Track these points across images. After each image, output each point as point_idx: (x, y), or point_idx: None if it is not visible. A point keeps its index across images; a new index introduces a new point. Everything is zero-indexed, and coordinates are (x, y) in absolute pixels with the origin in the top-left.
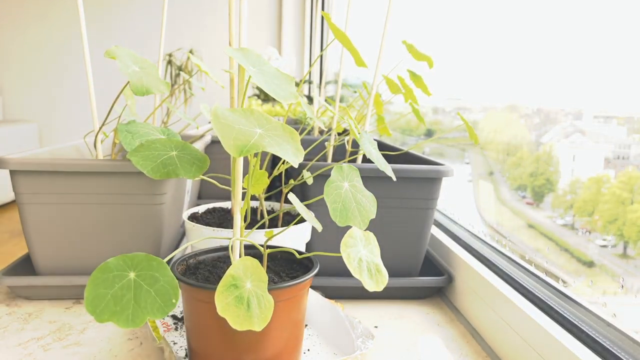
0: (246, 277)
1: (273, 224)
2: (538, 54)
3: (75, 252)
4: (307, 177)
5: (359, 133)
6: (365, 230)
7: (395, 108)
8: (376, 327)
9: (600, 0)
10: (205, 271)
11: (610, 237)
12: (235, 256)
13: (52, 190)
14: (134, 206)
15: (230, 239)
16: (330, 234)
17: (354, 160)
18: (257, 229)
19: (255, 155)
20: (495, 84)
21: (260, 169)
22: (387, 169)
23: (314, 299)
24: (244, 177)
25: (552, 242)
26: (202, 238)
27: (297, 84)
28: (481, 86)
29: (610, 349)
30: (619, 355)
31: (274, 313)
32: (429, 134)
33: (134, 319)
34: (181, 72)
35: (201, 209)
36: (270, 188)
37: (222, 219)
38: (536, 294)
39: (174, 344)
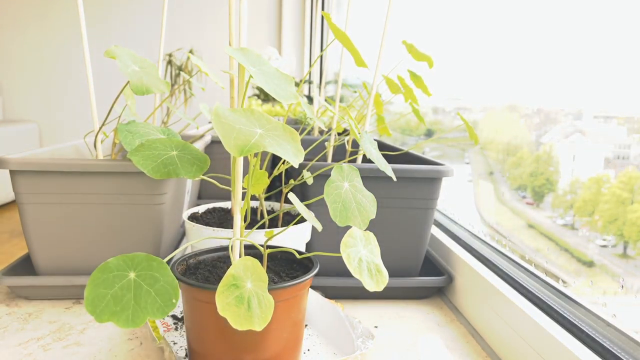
0: (246, 277)
1: (273, 224)
2: (538, 54)
3: (75, 252)
4: (307, 177)
5: (359, 133)
6: (365, 230)
7: (395, 108)
8: (376, 327)
9: (600, 1)
10: (205, 271)
11: (610, 237)
12: (235, 256)
13: (52, 190)
14: (134, 206)
15: (230, 239)
16: (330, 234)
17: (354, 160)
18: (257, 229)
19: (255, 155)
20: (495, 84)
21: (260, 169)
22: (387, 169)
23: (314, 299)
24: (244, 177)
25: (552, 242)
26: (202, 238)
27: (297, 84)
28: (481, 86)
29: (610, 349)
30: (619, 355)
31: (274, 313)
32: (429, 134)
33: (134, 319)
34: (181, 72)
35: (201, 209)
36: (270, 188)
37: (222, 219)
38: (536, 294)
39: (174, 344)
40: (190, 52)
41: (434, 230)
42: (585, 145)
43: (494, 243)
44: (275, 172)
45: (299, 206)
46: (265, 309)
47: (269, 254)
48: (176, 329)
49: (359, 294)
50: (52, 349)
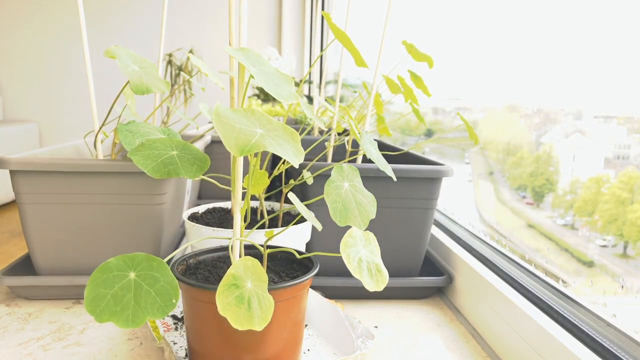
0: (247, 277)
1: (273, 224)
2: (538, 54)
3: (75, 252)
4: (307, 177)
5: (359, 133)
6: (365, 230)
7: (395, 108)
8: (376, 327)
9: (600, 1)
10: (205, 271)
11: (610, 237)
12: (235, 256)
13: (52, 190)
14: (134, 206)
15: (230, 239)
16: (330, 234)
17: (354, 160)
18: (257, 229)
19: (255, 155)
20: (495, 84)
21: (260, 169)
22: (388, 168)
23: (314, 299)
24: (244, 177)
25: (552, 242)
26: (202, 238)
27: (297, 84)
28: (481, 86)
29: (610, 349)
30: (619, 355)
31: (274, 313)
32: (429, 134)
33: (134, 319)
34: (181, 72)
35: (201, 209)
36: (270, 188)
37: (222, 219)
38: (536, 294)
39: (174, 344)
40: (190, 52)
41: (434, 230)
42: (585, 145)
43: (494, 243)
44: (275, 172)
45: (299, 206)
46: (265, 309)
47: (269, 254)
48: (176, 329)
49: (359, 294)
50: (52, 349)
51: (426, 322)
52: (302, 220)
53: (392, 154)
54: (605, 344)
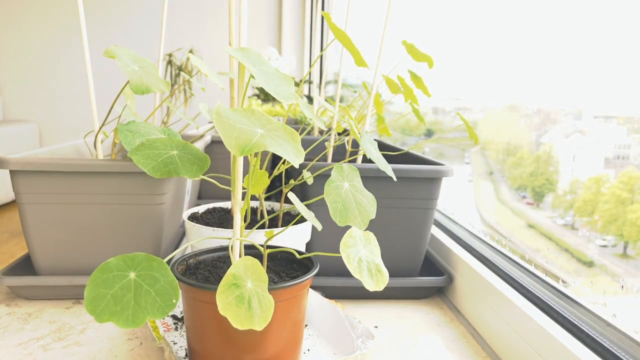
0: (247, 276)
1: (273, 224)
2: (538, 54)
3: (75, 252)
4: (307, 177)
5: (359, 133)
6: (365, 230)
7: (395, 108)
8: (376, 327)
9: (601, 1)
10: (205, 271)
11: (610, 237)
12: (235, 256)
13: (52, 190)
14: (134, 206)
15: (230, 239)
16: (330, 234)
17: (354, 160)
18: (257, 229)
19: (255, 155)
20: (495, 84)
21: (260, 169)
22: (388, 168)
23: (314, 299)
24: (244, 177)
25: (552, 242)
26: (202, 238)
27: (297, 84)
28: (481, 86)
29: (610, 349)
30: (619, 355)
31: (274, 313)
32: (429, 134)
33: (134, 319)
34: (181, 72)
35: (201, 209)
36: (270, 188)
37: (222, 219)
38: (536, 294)
39: (174, 344)
40: (190, 52)
41: (434, 230)
42: (585, 145)
43: (494, 243)
44: (275, 172)
45: (299, 206)
46: (265, 309)
47: (269, 254)
48: (176, 329)
49: (359, 294)
50: (52, 349)
51: (426, 322)
52: (302, 220)
53: (392, 154)
54: (605, 344)
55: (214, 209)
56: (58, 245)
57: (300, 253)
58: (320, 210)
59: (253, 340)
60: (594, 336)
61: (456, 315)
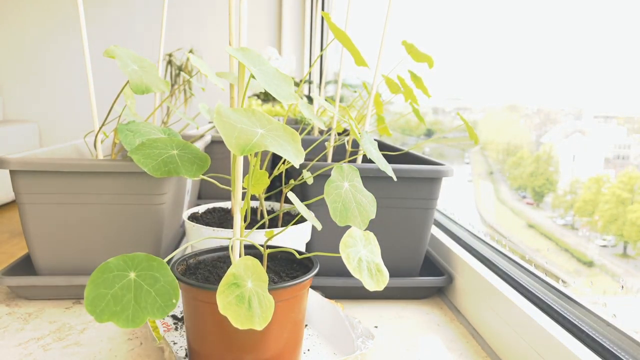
0: (247, 276)
1: (273, 224)
2: (538, 54)
3: (75, 252)
4: (307, 177)
5: (359, 133)
6: (365, 230)
7: (395, 108)
8: (376, 327)
9: (601, 1)
10: (205, 271)
11: (610, 237)
12: (235, 256)
13: (52, 190)
14: (134, 206)
15: (230, 239)
16: (330, 234)
17: (354, 160)
18: (257, 229)
19: (255, 155)
20: (495, 84)
21: (260, 169)
22: (388, 168)
23: (314, 299)
24: (244, 177)
25: (552, 242)
26: (202, 238)
27: (297, 84)
28: (481, 86)
29: (610, 349)
30: (619, 355)
31: (274, 313)
32: (429, 134)
33: (134, 319)
34: (181, 72)
35: (201, 209)
36: (270, 188)
37: (222, 219)
38: (536, 294)
39: (174, 344)
40: (190, 52)
41: (434, 230)
42: (585, 145)
43: (494, 243)
44: (275, 172)
45: (298, 206)
46: (265, 309)
47: (269, 254)
48: (176, 329)
49: (359, 294)
50: (52, 349)
51: (426, 322)
52: (302, 220)
53: (392, 154)
54: (605, 344)
55: (214, 209)
56: (58, 245)
57: (300, 253)
58: (320, 210)
59: (253, 340)
60: (594, 336)
61: (456, 315)
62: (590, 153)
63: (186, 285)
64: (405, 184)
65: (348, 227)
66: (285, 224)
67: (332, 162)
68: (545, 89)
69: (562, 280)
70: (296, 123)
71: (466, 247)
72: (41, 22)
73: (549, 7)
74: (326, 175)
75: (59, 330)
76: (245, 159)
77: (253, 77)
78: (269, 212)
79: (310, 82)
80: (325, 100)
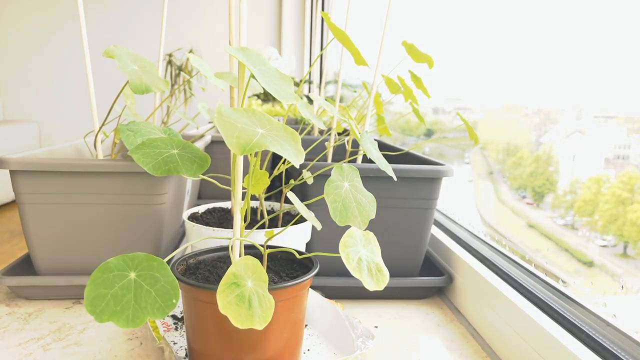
0: (247, 276)
1: (273, 224)
2: (538, 54)
3: (75, 252)
4: (307, 177)
5: (359, 133)
6: (365, 230)
7: (395, 108)
8: (376, 327)
9: (601, 1)
10: (205, 271)
11: (610, 237)
12: (235, 256)
13: (52, 190)
14: (134, 206)
15: (230, 239)
16: (330, 234)
17: (354, 160)
18: (257, 229)
19: (256, 155)
20: (496, 84)
21: (261, 169)
22: (388, 168)
23: (314, 299)
24: (244, 177)
25: (552, 242)
26: (202, 238)
27: (297, 84)
28: (481, 86)
29: (610, 349)
30: (619, 355)
31: (274, 313)
32: (429, 134)
33: (134, 319)
34: (181, 72)
35: (201, 209)
36: (270, 188)
37: (222, 219)
38: (536, 294)
39: (174, 344)
40: (190, 52)
41: (434, 230)
42: (585, 145)
43: (494, 243)
44: (276, 172)
45: (298, 206)
46: (265, 308)
47: (269, 254)
48: (176, 329)
49: (359, 294)
50: (52, 349)
51: (426, 322)
52: (302, 220)
53: (392, 154)
54: (605, 344)
55: (214, 209)
56: (58, 245)
57: (300, 253)
58: (320, 210)
59: (253, 340)
60: (594, 336)
61: (456, 316)
62: (590, 153)
63: (186, 285)
64: (405, 184)
65: (348, 227)
66: (285, 224)
67: (332, 162)
68: (545, 88)
69: (562, 280)
70: (296, 123)
71: (466, 247)
72: (41, 22)
73: (549, 7)
74: (326, 175)
75: (59, 330)
76: (245, 159)
77: (253, 77)
78: (269, 212)
79: (310, 82)
80: (325, 100)
